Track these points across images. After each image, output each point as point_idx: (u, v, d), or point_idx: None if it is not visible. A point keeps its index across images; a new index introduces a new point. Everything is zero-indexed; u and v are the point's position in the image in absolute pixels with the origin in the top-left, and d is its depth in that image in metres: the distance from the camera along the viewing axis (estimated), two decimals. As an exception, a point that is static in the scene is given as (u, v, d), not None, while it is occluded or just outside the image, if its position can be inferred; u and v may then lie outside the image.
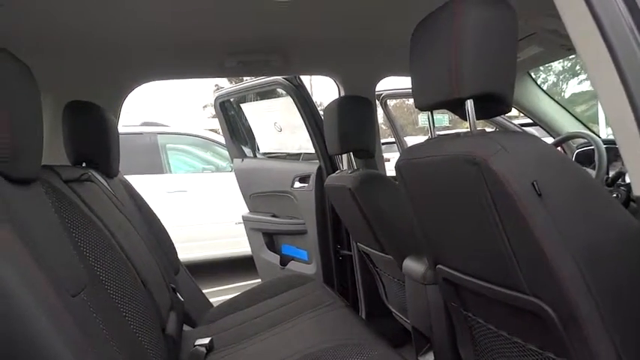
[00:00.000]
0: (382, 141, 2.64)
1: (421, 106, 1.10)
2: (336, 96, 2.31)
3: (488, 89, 0.94)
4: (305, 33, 1.75)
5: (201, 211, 4.50)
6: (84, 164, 1.62)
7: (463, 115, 1.02)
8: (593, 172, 1.80)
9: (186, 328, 1.87)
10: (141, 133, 4.67)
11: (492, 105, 1.00)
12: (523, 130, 2.64)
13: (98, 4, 1.35)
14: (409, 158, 1.19)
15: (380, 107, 2.90)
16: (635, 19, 0.77)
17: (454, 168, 0.97)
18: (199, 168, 4.98)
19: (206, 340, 1.57)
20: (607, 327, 0.81)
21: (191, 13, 1.47)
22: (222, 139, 4.93)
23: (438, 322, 1.39)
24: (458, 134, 1.04)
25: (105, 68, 1.93)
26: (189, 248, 3.90)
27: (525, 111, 2.44)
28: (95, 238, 1.15)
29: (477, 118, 1.00)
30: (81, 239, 1.07)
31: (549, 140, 2.32)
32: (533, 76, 2.43)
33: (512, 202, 0.84)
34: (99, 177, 1.59)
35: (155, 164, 4.63)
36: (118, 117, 2.02)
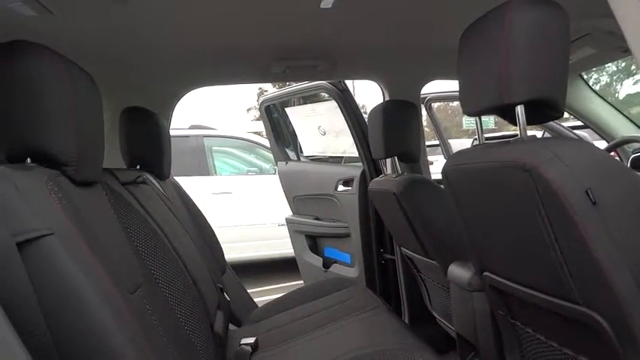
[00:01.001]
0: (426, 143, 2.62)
1: (469, 112, 1.09)
2: (379, 99, 2.31)
3: (539, 95, 0.93)
4: (351, 38, 1.76)
5: (245, 213, 4.59)
6: (138, 167, 1.69)
7: (512, 121, 1.00)
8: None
9: (231, 327, 1.92)
10: (188, 136, 4.81)
11: (543, 110, 0.98)
12: (574, 133, 2.55)
13: (152, 16, 1.41)
14: (457, 164, 1.18)
15: (424, 110, 2.88)
16: None
17: (504, 175, 0.96)
18: (244, 170, 5.08)
19: (251, 340, 1.60)
20: None
21: (240, 21, 1.51)
22: (265, 142, 5.02)
23: (484, 329, 1.37)
24: (507, 140, 1.02)
25: (158, 76, 2.02)
26: (232, 249, 3.99)
27: (577, 114, 2.36)
28: (150, 238, 1.21)
29: (528, 124, 0.99)
30: (137, 239, 1.13)
31: (602, 144, 2.24)
32: (585, 77, 2.35)
33: (564, 211, 0.83)
34: (152, 179, 1.66)
35: (201, 166, 4.76)
36: (169, 122, 2.10)
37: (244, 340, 1.60)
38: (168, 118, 2.11)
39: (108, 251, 0.87)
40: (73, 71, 0.90)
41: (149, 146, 1.73)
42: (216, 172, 4.88)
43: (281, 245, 4.20)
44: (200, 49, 1.75)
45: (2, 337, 0.56)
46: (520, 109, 0.96)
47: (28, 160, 0.86)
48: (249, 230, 4.57)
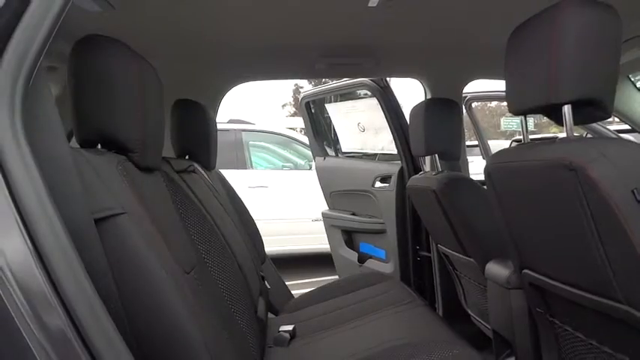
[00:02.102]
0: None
1: (516, 111, 1.10)
2: (415, 98, 2.33)
3: (587, 95, 0.94)
4: (395, 37, 1.79)
5: (280, 207, 4.65)
6: (187, 157, 1.77)
7: (559, 120, 1.01)
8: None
9: (269, 315, 1.97)
10: (227, 130, 4.90)
11: (590, 110, 0.99)
12: (619, 136, 2.50)
13: (207, 13, 1.48)
14: (500, 162, 1.20)
15: (463, 110, 2.87)
16: None
17: (549, 173, 0.98)
18: (279, 165, 5.16)
19: (290, 327, 1.65)
20: None
21: (290, 20, 1.56)
22: (301, 137, 5.08)
23: (521, 327, 1.38)
24: (553, 139, 1.04)
25: (208, 70, 2.09)
26: (267, 242, 4.05)
27: (623, 116, 2.31)
28: (201, 223, 1.27)
29: (574, 124, 1.00)
30: (190, 223, 1.20)
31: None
32: (632, 80, 2.30)
33: (610, 211, 0.84)
34: (200, 169, 1.74)
35: (239, 160, 4.86)
36: (216, 114, 2.18)
37: (283, 328, 1.65)
38: (216, 110, 2.19)
39: (167, 231, 0.94)
40: (142, 65, 0.97)
41: (198, 137, 1.80)
42: (252, 166, 4.97)
43: (315, 240, 4.24)
44: (250, 45, 1.81)
45: (110, 339, 0.63)
46: (567, 109, 0.97)
47: (99, 145, 0.94)
48: (284, 224, 4.63)
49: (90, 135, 0.92)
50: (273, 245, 4.33)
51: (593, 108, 0.98)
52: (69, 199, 0.69)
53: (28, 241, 0.61)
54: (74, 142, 0.94)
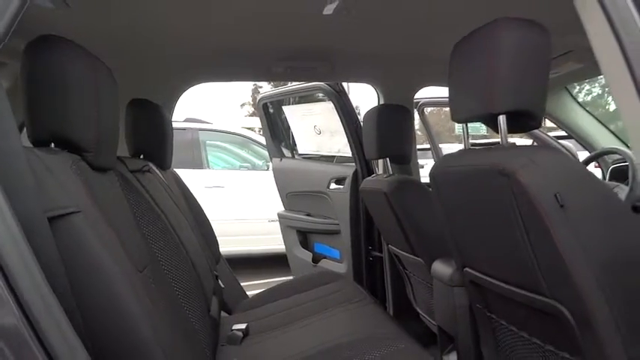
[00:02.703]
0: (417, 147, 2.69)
1: (457, 119, 1.18)
2: (373, 102, 2.40)
3: (519, 106, 1.02)
4: (350, 43, 1.84)
5: (236, 208, 4.63)
6: (141, 156, 1.76)
7: (496, 128, 1.10)
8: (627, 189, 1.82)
9: (222, 314, 1.99)
10: (184, 129, 4.84)
11: (524, 120, 1.08)
12: (558, 142, 2.66)
13: (162, 13, 1.49)
14: (444, 167, 1.27)
15: (417, 114, 2.96)
16: None
17: (485, 178, 1.05)
18: (236, 165, 5.14)
19: (242, 326, 1.67)
20: (620, 330, 0.88)
21: (247, 23, 1.59)
22: (258, 138, 5.08)
23: (462, 322, 1.46)
24: (490, 147, 1.12)
25: (164, 70, 2.08)
26: (222, 242, 4.03)
27: (561, 125, 2.47)
28: (155, 223, 1.28)
29: (509, 132, 1.08)
30: (143, 223, 1.21)
31: (585, 154, 2.35)
32: (577, 88, 2.45)
33: (536, 213, 0.92)
34: (155, 169, 1.73)
35: (195, 159, 4.81)
36: (171, 114, 2.17)
37: (236, 326, 1.67)
38: (171, 110, 2.18)
39: (121, 230, 0.95)
40: (97, 65, 0.97)
41: (153, 137, 1.79)
42: (209, 166, 4.93)
43: (271, 241, 4.25)
44: (207, 47, 1.83)
45: (65, 336, 0.64)
46: (502, 119, 1.05)
47: (52, 144, 0.94)
48: (240, 225, 4.61)
49: (43, 134, 0.92)
50: (229, 246, 4.32)
51: (526, 118, 1.06)
52: (21, 196, 0.69)
53: None
54: (25, 140, 0.94)
